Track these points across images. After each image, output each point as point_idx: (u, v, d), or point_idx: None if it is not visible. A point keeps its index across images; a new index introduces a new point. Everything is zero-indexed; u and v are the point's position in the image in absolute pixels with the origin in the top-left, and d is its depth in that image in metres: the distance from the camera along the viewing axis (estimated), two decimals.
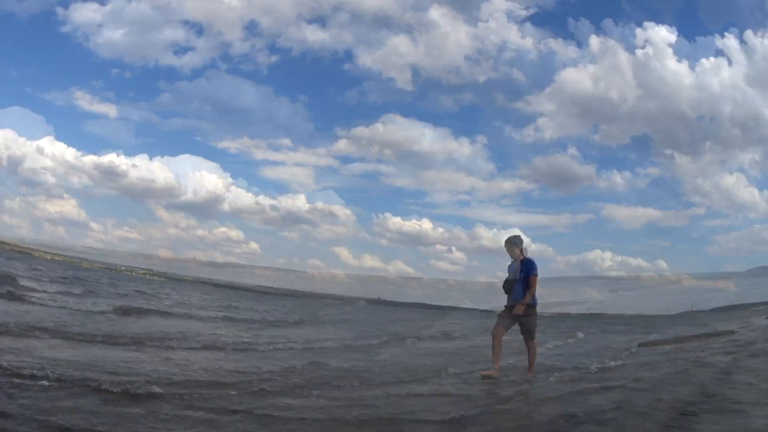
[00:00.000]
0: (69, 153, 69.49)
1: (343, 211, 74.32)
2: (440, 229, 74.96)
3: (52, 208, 73.30)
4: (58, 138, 70.58)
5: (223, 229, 77.06)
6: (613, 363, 9.00)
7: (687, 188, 72.97)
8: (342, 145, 74.54)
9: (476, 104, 77.47)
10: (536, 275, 7.12)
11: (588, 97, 64.85)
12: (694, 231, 75.22)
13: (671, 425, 4.43)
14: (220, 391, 5.07)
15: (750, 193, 64.09)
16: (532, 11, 67.69)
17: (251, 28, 73.62)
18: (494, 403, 5.58)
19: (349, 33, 75.06)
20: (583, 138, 77.78)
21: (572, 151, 70.07)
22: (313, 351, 9.44)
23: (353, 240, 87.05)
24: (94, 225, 79.15)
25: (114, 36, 64.55)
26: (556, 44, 64.66)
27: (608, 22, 63.61)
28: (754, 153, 66.04)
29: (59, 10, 65.42)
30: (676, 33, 58.09)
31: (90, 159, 70.69)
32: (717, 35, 58.33)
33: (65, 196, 73.62)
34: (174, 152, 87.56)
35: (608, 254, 74.07)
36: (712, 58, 58.60)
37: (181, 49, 71.88)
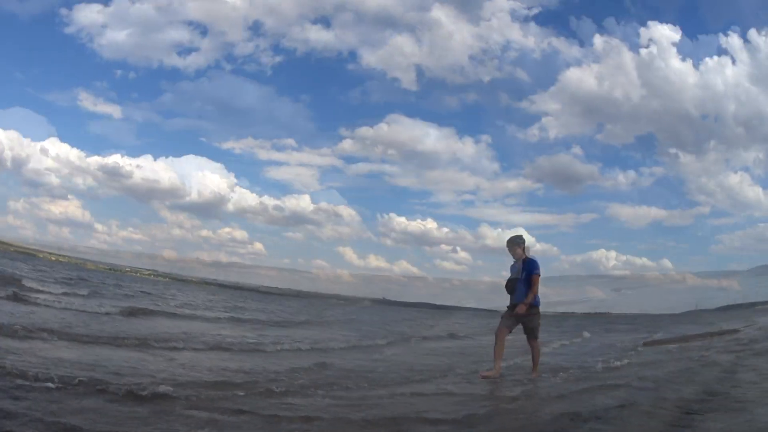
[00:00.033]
0: (73, 154, 69.97)
1: (347, 211, 74.52)
2: (445, 229, 75.16)
3: (56, 209, 73.72)
4: (62, 139, 71.21)
5: (228, 229, 77.43)
6: (618, 362, 8.99)
7: (691, 187, 72.93)
8: (346, 145, 74.72)
9: (480, 104, 77.67)
10: (539, 275, 7.12)
11: (592, 97, 64.93)
12: (699, 230, 75.17)
13: (676, 424, 4.43)
14: (226, 392, 5.08)
15: (754, 192, 64.00)
16: (535, 10, 67.73)
17: (255, 28, 74.09)
18: (499, 403, 5.60)
19: (353, 33, 75.60)
20: (587, 137, 77.99)
21: (576, 150, 70.18)
22: (319, 351, 9.46)
23: (358, 240, 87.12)
24: (98, 226, 79.43)
25: (118, 37, 65.05)
26: (559, 43, 64.89)
27: (611, 21, 63.76)
28: (758, 152, 65.90)
29: (63, 11, 65.97)
30: (680, 32, 58.06)
31: (94, 160, 71.11)
32: (720, 34, 58.35)
33: (69, 197, 74.00)
34: (178, 153, 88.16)
35: (613, 253, 74.17)
36: (715, 57, 58.63)
37: (185, 50, 72.48)
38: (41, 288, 16.70)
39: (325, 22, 74.26)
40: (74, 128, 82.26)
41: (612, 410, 4.81)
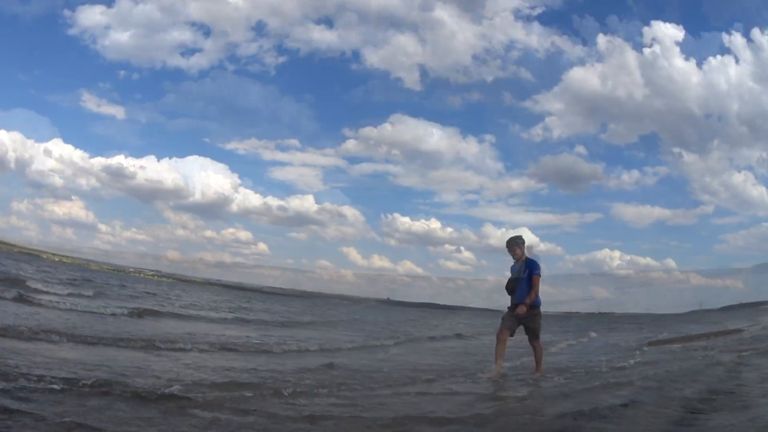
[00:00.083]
0: (76, 155, 70.05)
1: (351, 212, 74.39)
2: (449, 229, 75.06)
3: (60, 210, 73.76)
4: (65, 140, 71.36)
5: (231, 230, 77.45)
6: (622, 362, 9.00)
7: (695, 186, 72.99)
8: (350, 146, 74.51)
9: (484, 103, 77.39)
10: (539, 275, 7.12)
11: (596, 96, 64.86)
12: (703, 229, 75.10)
13: (680, 423, 4.45)
14: (232, 392, 5.11)
15: (758, 191, 63.88)
16: (539, 10, 67.69)
17: (258, 29, 74.30)
18: (504, 402, 5.61)
19: (356, 33, 75.58)
20: (591, 137, 77.82)
21: (580, 149, 70.04)
22: (325, 351, 9.50)
23: (362, 240, 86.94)
24: (101, 227, 79.37)
25: (121, 38, 65.21)
26: (563, 43, 64.74)
27: (614, 20, 63.60)
28: (761, 151, 65.85)
29: (66, 12, 66.20)
30: (683, 31, 57.93)
31: (98, 161, 71.24)
32: (723, 33, 58.24)
33: (73, 197, 74.01)
34: (182, 153, 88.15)
35: (617, 253, 74.12)
36: (719, 56, 58.49)
37: (188, 51, 72.63)
38: (46, 289, 16.77)
39: (328, 22, 74.46)
40: (78, 129, 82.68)
41: (616, 409, 4.82)
